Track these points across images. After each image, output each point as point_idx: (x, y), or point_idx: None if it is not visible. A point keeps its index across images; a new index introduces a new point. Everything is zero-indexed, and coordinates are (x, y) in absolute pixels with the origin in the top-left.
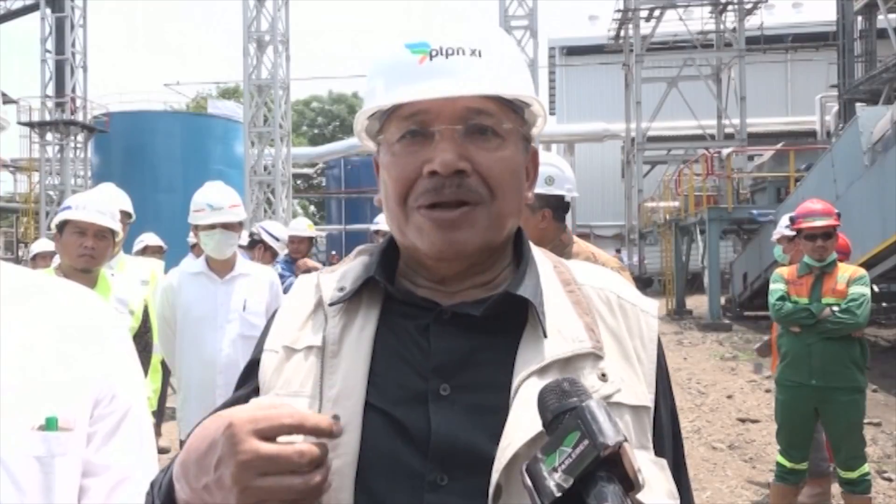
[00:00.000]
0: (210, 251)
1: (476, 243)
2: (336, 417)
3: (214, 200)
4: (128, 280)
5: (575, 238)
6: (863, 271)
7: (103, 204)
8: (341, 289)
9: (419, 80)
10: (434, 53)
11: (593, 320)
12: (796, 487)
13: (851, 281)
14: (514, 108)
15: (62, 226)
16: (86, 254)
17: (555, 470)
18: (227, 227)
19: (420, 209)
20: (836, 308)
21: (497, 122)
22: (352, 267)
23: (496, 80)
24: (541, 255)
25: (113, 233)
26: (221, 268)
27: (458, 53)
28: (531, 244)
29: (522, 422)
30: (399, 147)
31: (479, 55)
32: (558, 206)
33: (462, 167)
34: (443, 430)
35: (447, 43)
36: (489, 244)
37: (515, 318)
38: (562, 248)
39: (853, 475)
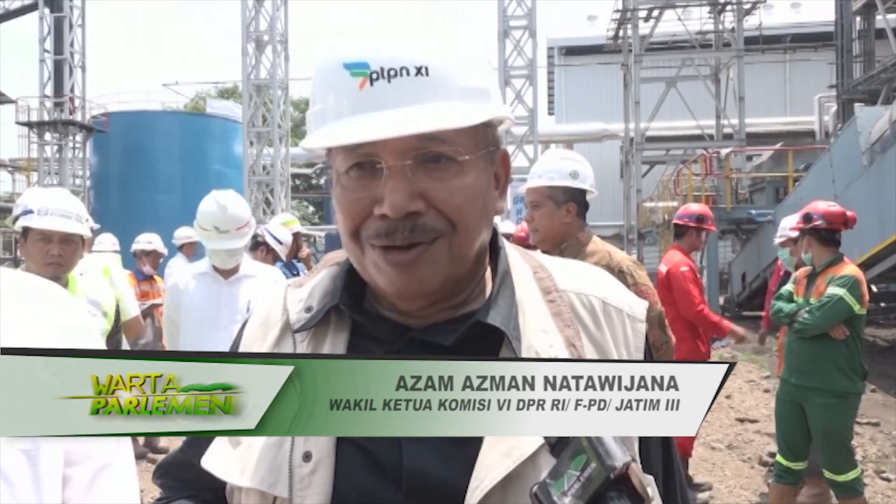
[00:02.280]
0: (215, 264)
1: (438, 280)
2: (308, 456)
3: (221, 223)
4: (98, 280)
5: (594, 238)
6: (849, 272)
7: (67, 207)
8: (308, 309)
9: (358, 112)
10: (375, 76)
11: (575, 332)
12: (795, 488)
13: (832, 281)
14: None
15: (26, 231)
16: (53, 262)
17: (564, 494)
18: (235, 249)
19: (374, 247)
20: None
21: (452, 149)
22: (319, 283)
23: (444, 106)
24: (519, 261)
25: (81, 236)
26: (226, 269)
27: (401, 74)
28: (508, 247)
29: (492, 460)
30: (347, 180)
31: (426, 73)
32: (582, 201)
33: (414, 208)
34: (415, 464)
35: (389, 62)
36: (451, 278)
37: (489, 339)
38: (578, 247)
39: (837, 479)
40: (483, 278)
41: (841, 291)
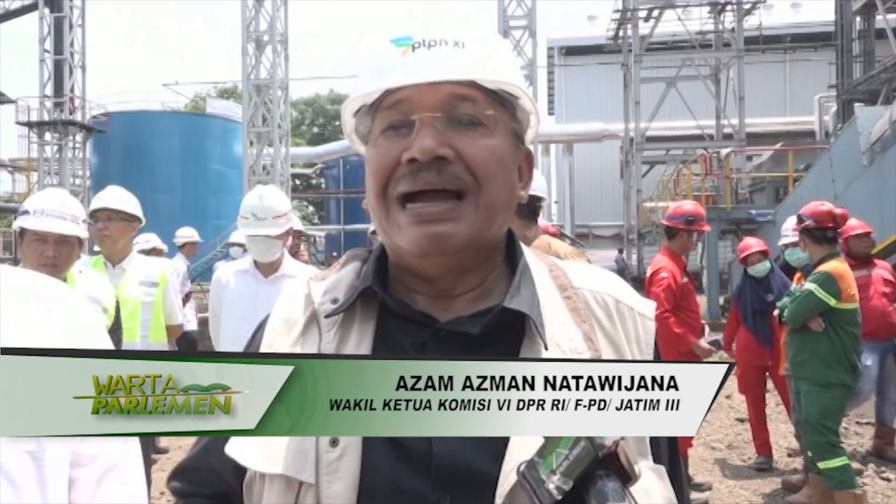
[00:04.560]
0: (254, 255)
1: (462, 238)
2: (335, 441)
3: (258, 210)
4: (98, 277)
5: (543, 236)
6: (825, 268)
7: (64, 208)
8: (334, 300)
9: (400, 70)
10: (417, 45)
11: (591, 328)
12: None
13: (809, 277)
14: (502, 102)
15: (22, 232)
16: (47, 263)
17: (553, 472)
18: (270, 236)
19: (400, 202)
20: None
21: (480, 109)
22: (343, 275)
23: (477, 67)
24: (535, 259)
25: (77, 237)
26: (266, 268)
27: (440, 45)
28: (523, 246)
29: (523, 445)
30: (381, 139)
31: (463, 46)
32: (524, 204)
33: (442, 153)
34: (444, 450)
35: (430, 35)
36: (476, 239)
37: (512, 330)
38: (525, 243)
39: (820, 465)
40: (500, 272)
41: (811, 286)
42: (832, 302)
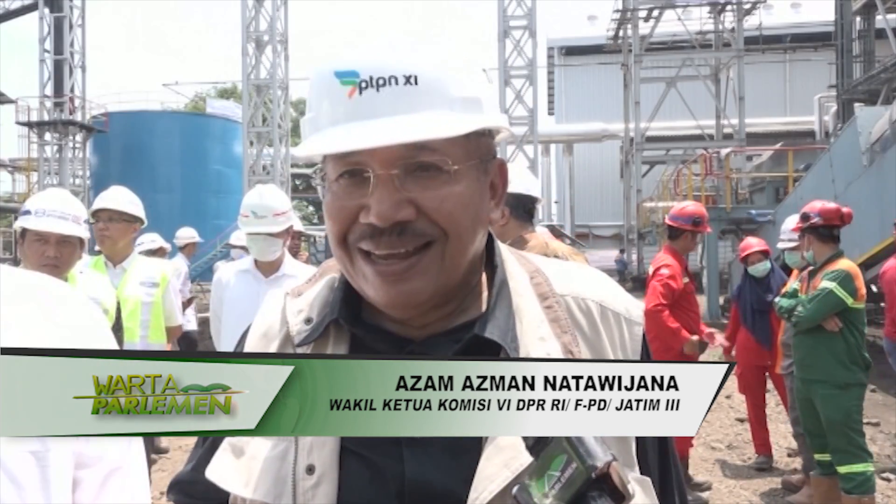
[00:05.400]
0: (254, 254)
1: (428, 292)
2: (311, 468)
3: (258, 209)
4: (98, 278)
5: (538, 234)
6: (841, 266)
7: (65, 208)
8: (308, 320)
9: (347, 121)
10: (364, 85)
11: (573, 338)
12: (831, 479)
13: (824, 275)
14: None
15: (23, 232)
16: (48, 263)
17: (545, 495)
18: (270, 233)
19: (362, 252)
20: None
21: (441, 158)
22: (318, 292)
23: (433, 116)
24: (517, 266)
25: (79, 238)
26: (267, 268)
27: (390, 83)
28: (504, 252)
29: (491, 471)
30: (336, 187)
31: (415, 81)
32: (517, 204)
33: (402, 217)
34: (416, 475)
35: (378, 70)
36: (445, 286)
37: (487, 352)
38: (522, 244)
39: (841, 469)
40: (479, 285)
41: (831, 285)
42: (850, 301)
